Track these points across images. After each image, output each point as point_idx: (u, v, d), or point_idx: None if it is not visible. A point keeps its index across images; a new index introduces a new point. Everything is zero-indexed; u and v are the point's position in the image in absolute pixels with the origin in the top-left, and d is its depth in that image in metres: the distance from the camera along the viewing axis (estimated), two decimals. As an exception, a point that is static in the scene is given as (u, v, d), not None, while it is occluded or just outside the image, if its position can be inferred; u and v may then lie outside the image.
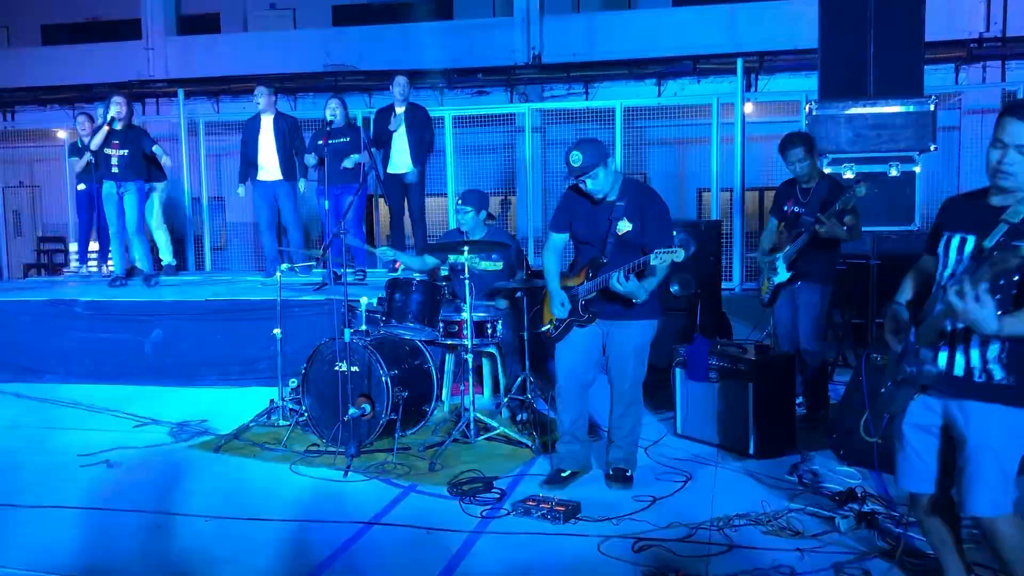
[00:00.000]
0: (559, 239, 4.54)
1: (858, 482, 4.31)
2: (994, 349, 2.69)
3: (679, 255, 4.05)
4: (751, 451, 4.83)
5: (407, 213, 8.53)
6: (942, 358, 2.76)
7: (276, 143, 8.14)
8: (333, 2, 18.49)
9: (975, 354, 2.71)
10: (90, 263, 9.80)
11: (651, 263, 4.09)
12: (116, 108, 8.06)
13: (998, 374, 2.69)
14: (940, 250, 2.83)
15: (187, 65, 16.79)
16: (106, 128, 8.06)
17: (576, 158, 4.18)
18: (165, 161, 8.35)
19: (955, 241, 2.79)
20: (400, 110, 8.28)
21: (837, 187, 5.36)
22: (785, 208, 5.50)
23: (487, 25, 16.12)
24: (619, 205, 4.29)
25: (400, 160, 8.31)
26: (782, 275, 5.41)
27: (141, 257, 8.34)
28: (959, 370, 2.74)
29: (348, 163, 7.92)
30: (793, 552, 3.56)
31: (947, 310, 2.61)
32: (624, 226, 4.26)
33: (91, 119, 9.27)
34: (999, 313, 2.51)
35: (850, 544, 3.64)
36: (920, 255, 3.04)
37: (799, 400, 5.49)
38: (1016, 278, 2.61)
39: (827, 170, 6.62)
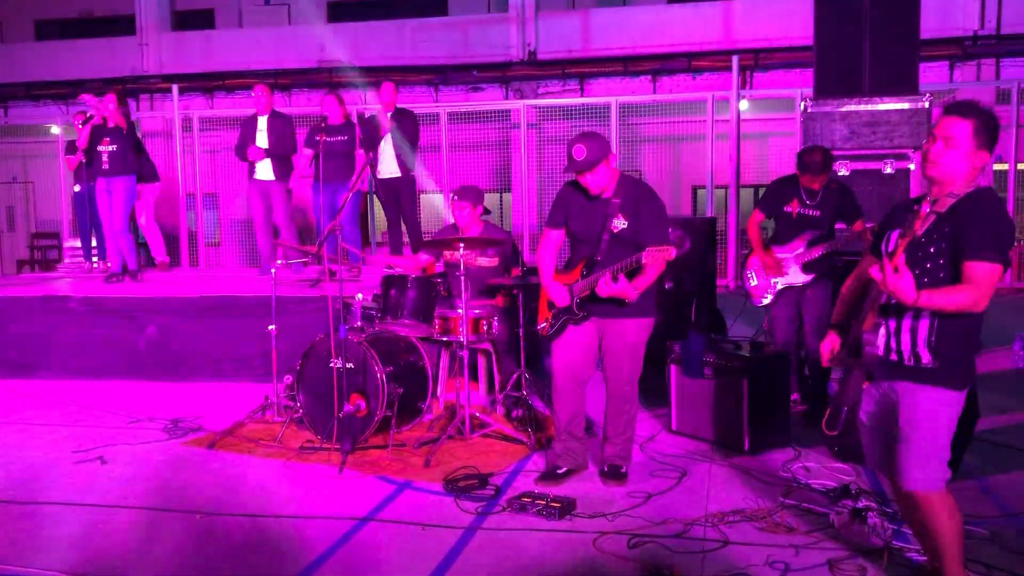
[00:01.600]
0: (554, 236, 4.53)
1: (852, 478, 4.32)
2: (922, 334, 2.88)
3: (671, 253, 4.04)
4: (745, 447, 4.84)
5: (401, 216, 8.54)
6: (881, 343, 2.98)
7: (270, 142, 8.12)
8: (328, -2, 18.46)
9: (906, 339, 2.91)
10: (93, 259, 9.79)
11: (643, 261, 4.09)
12: (104, 106, 8.06)
13: (925, 357, 2.88)
14: (882, 247, 3.03)
15: (181, 61, 16.76)
16: (88, 127, 8.05)
17: (580, 152, 4.17)
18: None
19: (894, 236, 2.98)
20: (388, 115, 8.30)
21: (847, 192, 5.43)
22: (787, 209, 5.47)
23: (482, 21, 16.12)
24: (615, 202, 4.28)
25: (388, 165, 8.32)
26: (795, 275, 5.41)
27: (128, 252, 8.31)
28: (892, 354, 2.95)
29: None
30: (787, 548, 3.57)
31: (878, 288, 2.86)
32: (619, 223, 4.26)
33: (85, 115, 9.26)
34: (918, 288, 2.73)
35: (844, 540, 3.64)
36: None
37: (793, 397, 5.51)
38: (942, 261, 2.83)
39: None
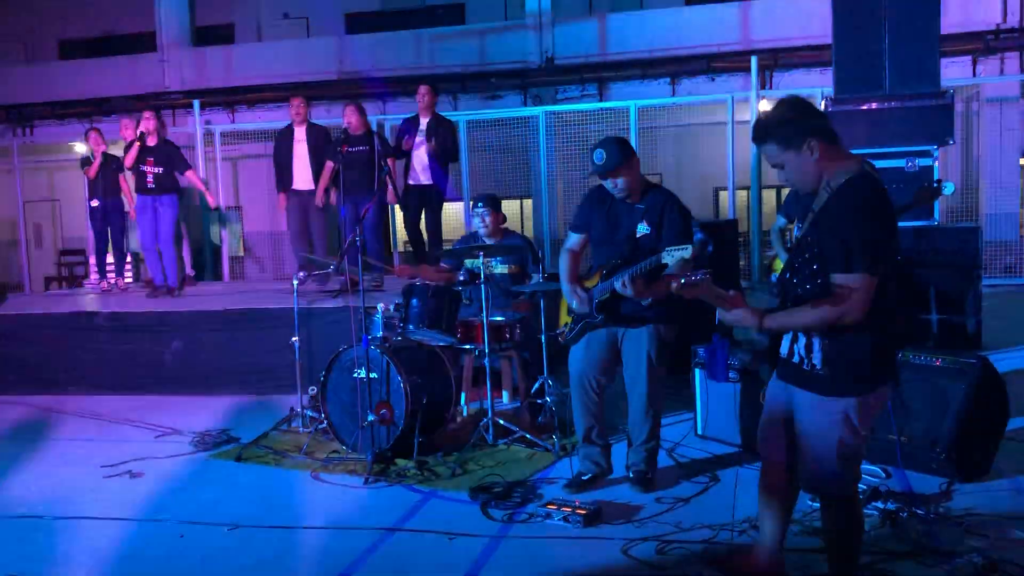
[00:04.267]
0: (577, 239, 4.52)
1: (882, 480, 4.27)
2: (816, 341, 2.79)
3: (688, 251, 4.01)
4: (773, 451, 4.79)
5: (425, 224, 8.54)
6: (784, 345, 2.92)
7: (310, 154, 8.23)
8: (346, 10, 18.59)
9: (802, 343, 2.84)
10: (110, 277, 9.89)
11: (662, 261, 4.07)
12: (144, 124, 8.21)
13: (818, 363, 2.80)
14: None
15: (202, 76, 16.93)
16: (136, 144, 8.19)
17: (600, 155, 4.17)
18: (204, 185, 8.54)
19: (795, 230, 2.89)
20: (425, 121, 8.27)
21: None
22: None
23: (499, 29, 16.15)
24: (639, 207, 4.28)
25: (422, 172, 8.29)
26: None
27: (170, 269, 8.45)
28: (793, 357, 2.88)
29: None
30: (818, 553, 3.52)
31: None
32: (642, 229, 4.25)
33: (99, 133, 9.41)
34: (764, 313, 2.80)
35: (875, 543, 3.59)
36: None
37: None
38: (815, 266, 2.75)
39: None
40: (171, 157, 8.40)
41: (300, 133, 8.38)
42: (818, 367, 2.79)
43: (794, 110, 2.82)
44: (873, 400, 2.82)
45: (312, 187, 8.28)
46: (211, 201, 9.59)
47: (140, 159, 8.23)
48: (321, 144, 8.31)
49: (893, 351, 2.84)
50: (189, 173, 8.67)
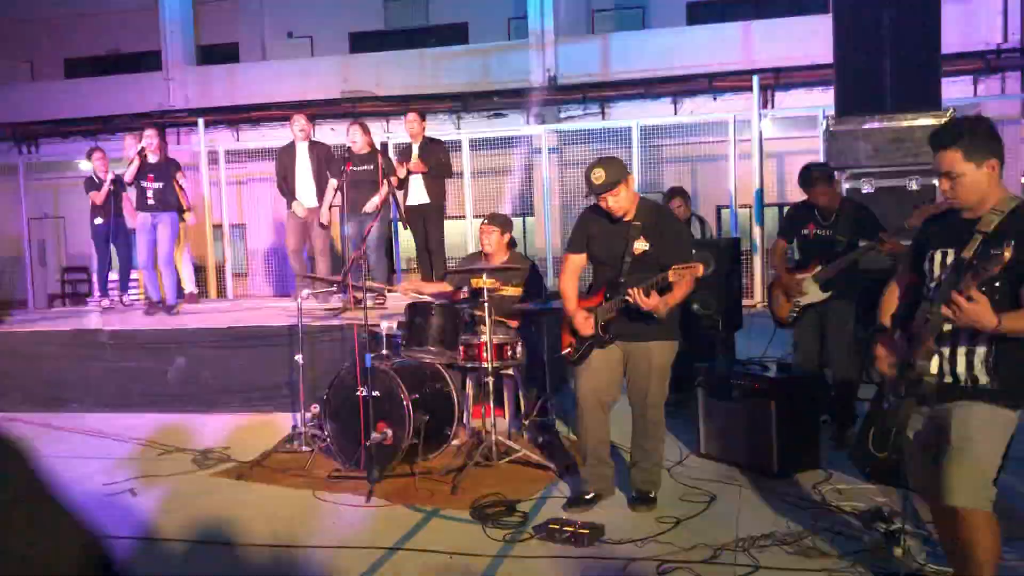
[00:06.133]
0: (576, 260, 4.54)
1: (885, 500, 4.26)
2: (980, 356, 2.83)
3: (699, 270, 4.04)
4: (775, 470, 4.78)
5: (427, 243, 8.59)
6: (934, 367, 2.90)
7: (312, 171, 8.27)
8: (350, 29, 18.69)
9: (961, 362, 2.86)
10: (112, 295, 9.91)
11: (669, 280, 4.08)
12: (147, 140, 8.22)
13: (983, 379, 2.83)
14: (925, 267, 2.98)
15: (207, 95, 17.00)
16: (137, 160, 8.20)
17: (598, 175, 4.20)
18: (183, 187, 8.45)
19: (938, 256, 2.94)
20: (416, 146, 8.37)
21: (862, 210, 5.43)
22: (804, 232, 5.50)
23: (502, 48, 16.23)
24: (636, 225, 4.30)
25: (417, 192, 8.37)
26: (815, 294, 5.39)
27: (169, 287, 8.45)
28: (948, 377, 2.89)
29: (369, 207, 7.92)
30: (820, 572, 3.51)
31: (940, 321, 2.79)
32: (641, 245, 4.27)
33: (104, 154, 9.43)
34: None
35: (878, 564, 3.58)
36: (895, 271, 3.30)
37: (824, 418, 5.45)
38: (997, 284, 2.75)
39: (846, 185, 6.62)
40: (170, 173, 8.37)
41: (303, 150, 8.41)
42: (983, 382, 2.83)
43: (987, 126, 2.85)
44: (1016, 418, 2.88)
45: (316, 204, 8.32)
46: (185, 202, 8.85)
47: (141, 175, 8.24)
48: (323, 162, 8.35)
49: None
50: (178, 174, 8.53)
